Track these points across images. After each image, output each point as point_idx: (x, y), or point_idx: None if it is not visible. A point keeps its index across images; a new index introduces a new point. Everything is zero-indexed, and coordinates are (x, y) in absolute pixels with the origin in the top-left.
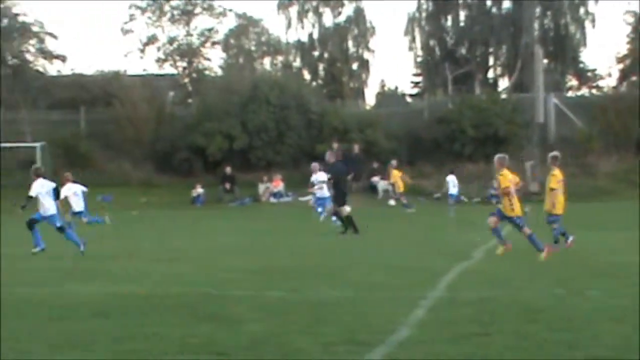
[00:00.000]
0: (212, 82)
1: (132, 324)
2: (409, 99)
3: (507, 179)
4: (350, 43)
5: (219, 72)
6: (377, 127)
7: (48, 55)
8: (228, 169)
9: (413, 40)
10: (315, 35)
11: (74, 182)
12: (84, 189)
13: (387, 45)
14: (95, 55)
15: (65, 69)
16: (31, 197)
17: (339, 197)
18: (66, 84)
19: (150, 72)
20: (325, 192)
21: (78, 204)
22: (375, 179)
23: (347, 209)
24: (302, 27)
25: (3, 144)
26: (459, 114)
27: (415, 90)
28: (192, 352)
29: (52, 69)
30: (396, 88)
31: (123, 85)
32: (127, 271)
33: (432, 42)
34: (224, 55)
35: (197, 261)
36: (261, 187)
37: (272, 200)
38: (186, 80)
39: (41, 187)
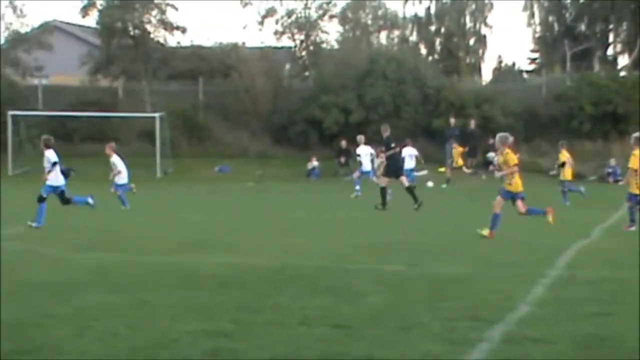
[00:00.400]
0: (329, 55)
1: (253, 295)
2: (525, 75)
3: (514, 157)
4: (467, 18)
5: (336, 45)
6: (494, 103)
7: (168, 27)
8: (343, 143)
9: (532, 15)
10: (433, 10)
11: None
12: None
13: (505, 21)
14: (215, 27)
15: (185, 41)
16: (56, 162)
17: (392, 170)
18: (185, 56)
19: (267, 45)
20: (366, 166)
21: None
22: (491, 154)
23: (402, 180)
24: (420, 2)
25: (123, 114)
26: (578, 91)
27: (532, 67)
28: (312, 324)
29: (172, 40)
30: (513, 64)
31: (241, 57)
32: (247, 243)
33: (551, 18)
34: (340, 28)
35: (314, 234)
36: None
37: None
38: (303, 53)
39: (53, 157)
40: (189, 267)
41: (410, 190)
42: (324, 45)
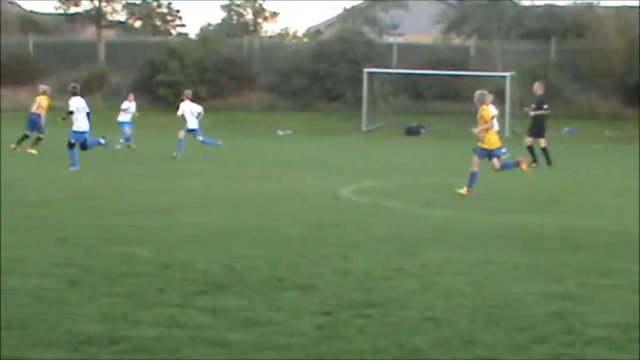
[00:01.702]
0: None
1: (600, 258)
2: None
3: (489, 112)
4: None
5: None
6: None
7: None
8: None
9: None
10: None
11: (191, 101)
12: (200, 109)
13: None
14: None
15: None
16: (72, 112)
17: (538, 130)
18: (539, 15)
19: (623, 4)
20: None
21: (192, 122)
22: None
23: (541, 141)
24: None
25: (475, 72)
26: None
27: None
28: None
29: None
30: None
31: (596, 16)
32: (588, 204)
33: None
34: None
35: None
36: None
37: None
38: None
39: (75, 104)
40: (533, 227)
41: (544, 150)
42: None
